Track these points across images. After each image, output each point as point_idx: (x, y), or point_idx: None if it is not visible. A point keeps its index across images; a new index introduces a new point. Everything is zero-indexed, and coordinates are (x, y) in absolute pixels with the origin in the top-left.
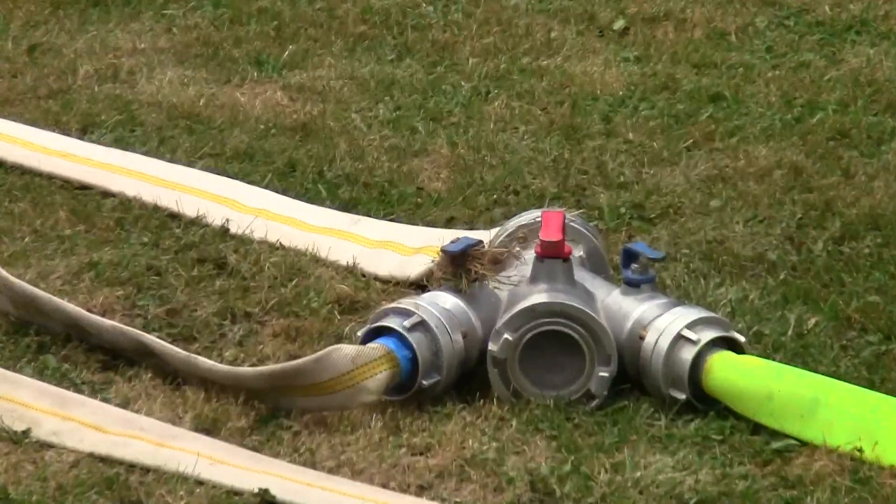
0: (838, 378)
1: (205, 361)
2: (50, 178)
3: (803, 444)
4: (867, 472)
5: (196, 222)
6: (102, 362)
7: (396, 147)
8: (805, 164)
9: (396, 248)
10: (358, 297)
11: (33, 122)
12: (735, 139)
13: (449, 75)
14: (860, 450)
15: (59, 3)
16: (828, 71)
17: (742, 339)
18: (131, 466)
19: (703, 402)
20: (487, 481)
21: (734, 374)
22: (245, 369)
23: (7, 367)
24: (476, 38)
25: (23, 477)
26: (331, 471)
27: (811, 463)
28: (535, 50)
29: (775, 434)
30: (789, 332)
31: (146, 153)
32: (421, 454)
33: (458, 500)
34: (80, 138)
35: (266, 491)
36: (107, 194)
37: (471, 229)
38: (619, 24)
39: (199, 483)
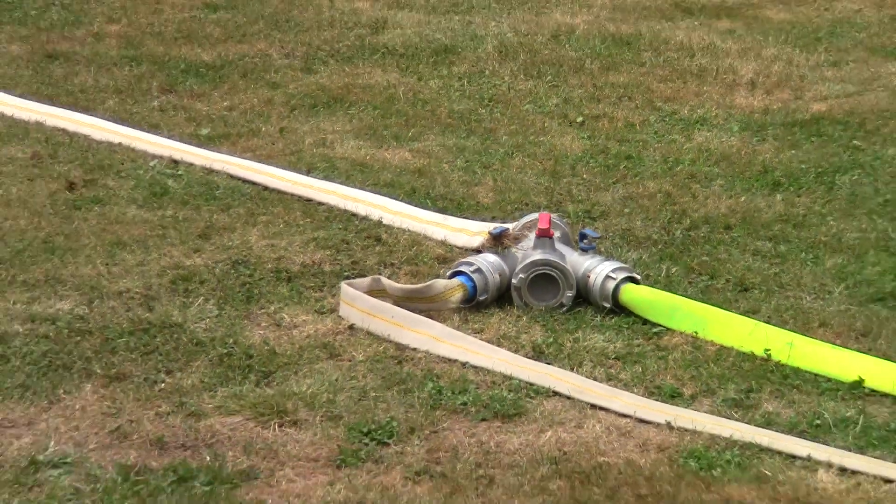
0: (688, 297)
1: (387, 281)
2: (291, 194)
3: (669, 329)
4: (699, 343)
5: (366, 218)
6: None
7: (466, 181)
8: (672, 190)
9: (466, 231)
10: (447, 256)
11: (284, 168)
12: (637, 178)
13: (492, 145)
14: (696, 334)
15: (294, 107)
16: (685, 144)
17: (639, 277)
18: None
19: (619, 309)
20: (511, 346)
21: (635, 295)
22: (395, 285)
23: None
24: (506, 125)
25: None
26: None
27: (672, 338)
28: (536, 132)
29: (654, 324)
30: (662, 275)
31: (341, 183)
32: (478, 332)
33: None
34: (306, 174)
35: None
36: (320, 203)
37: (503, 222)
38: (579, 119)
39: None
